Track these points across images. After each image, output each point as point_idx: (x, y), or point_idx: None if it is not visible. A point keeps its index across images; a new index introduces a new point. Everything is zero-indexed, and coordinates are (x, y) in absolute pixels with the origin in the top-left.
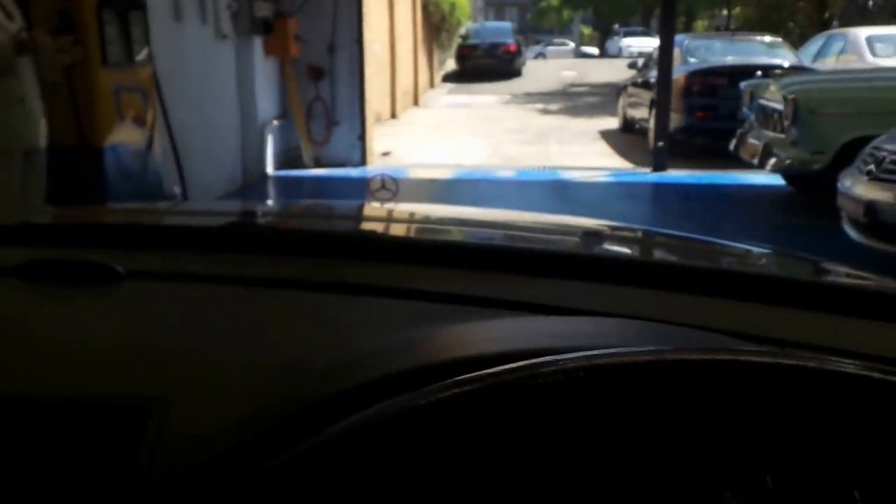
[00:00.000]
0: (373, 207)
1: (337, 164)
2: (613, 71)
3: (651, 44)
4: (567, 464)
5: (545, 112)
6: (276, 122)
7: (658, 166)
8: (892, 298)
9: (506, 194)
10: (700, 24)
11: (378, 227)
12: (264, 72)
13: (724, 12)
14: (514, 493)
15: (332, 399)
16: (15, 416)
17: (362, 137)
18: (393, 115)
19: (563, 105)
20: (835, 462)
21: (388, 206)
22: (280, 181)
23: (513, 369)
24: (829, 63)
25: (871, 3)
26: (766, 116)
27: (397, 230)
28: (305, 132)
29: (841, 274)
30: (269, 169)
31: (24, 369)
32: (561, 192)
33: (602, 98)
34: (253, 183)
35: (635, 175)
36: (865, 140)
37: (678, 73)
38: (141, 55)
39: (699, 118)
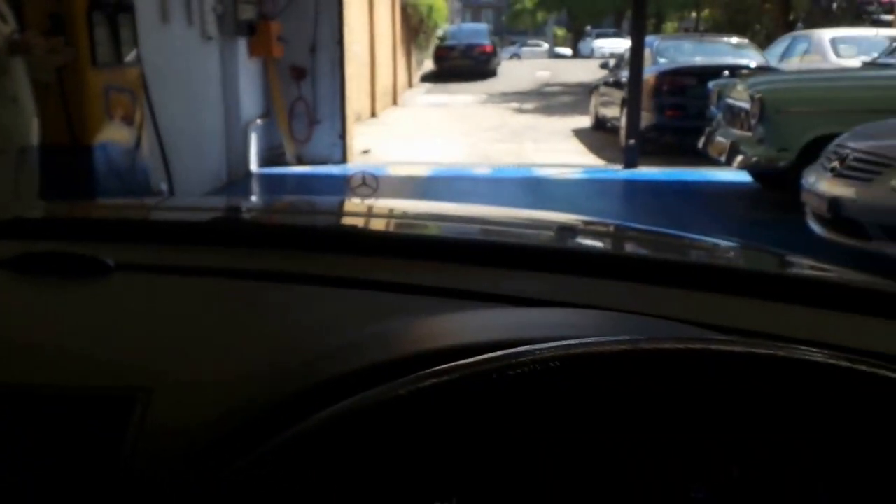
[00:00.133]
0: (353, 203)
1: (318, 162)
2: (586, 71)
3: (622, 45)
4: (544, 453)
5: (520, 111)
6: (259, 121)
7: (629, 163)
8: (853, 290)
9: (482, 191)
10: (670, 25)
11: (359, 222)
12: (248, 72)
13: (693, 14)
14: (491, 481)
15: (313, 389)
16: (3, 405)
17: (343, 136)
18: (373, 114)
19: (538, 104)
20: (801, 451)
21: (368, 201)
22: (263, 178)
23: (490, 359)
24: (794, 63)
25: (834, 5)
26: (734, 115)
27: (377, 225)
28: (288, 130)
29: (805, 266)
30: (253, 166)
31: (15, 359)
32: (535, 189)
33: (575, 97)
34: (237, 180)
35: (607, 172)
36: (829, 138)
37: (649, 73)
38: (129, 56)
39: (669, 117)
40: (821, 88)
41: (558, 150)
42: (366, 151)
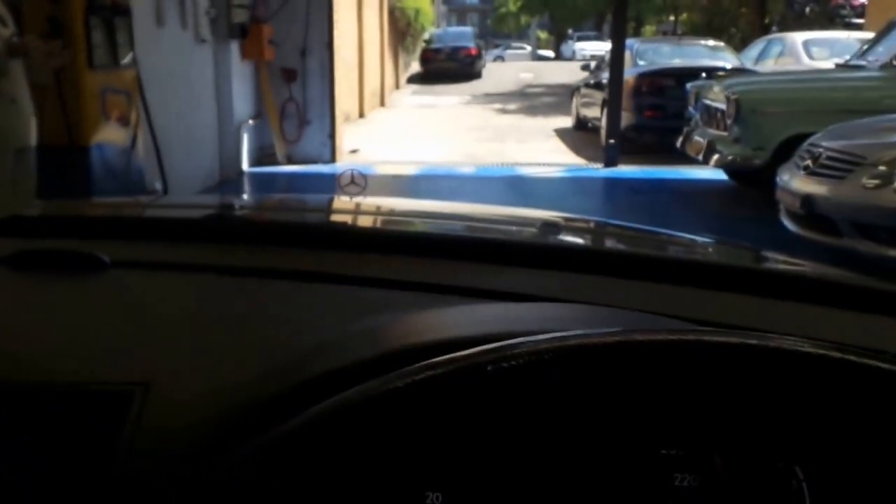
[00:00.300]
0: (342, 201)
1: (308, 161)
2: (568, 73)
3: (603, 47)
4: (537, 443)
5: (503, 111)
6: (251, 122)
7: (610, 162)
8: (825, 284)
9: (467, 189)
10: (649, 28)
11: (348, 220)
12: (240, 74)
13: (672, 18)
14: (485, 471)
15: (306, 385)
16: (0, 401)
17: (332, 136)
18: (361, 115)
19: (521, 105)
20: (792, 440)
21: (357, 199)
22: (255, 177)
23: (485, 351)
24: (769, 65)
25: (808, 9)
26: (710, 115)
27: (366, 222)
28: (279, 131)
29: (779, 262)
30: (245, 165)
31: (12, 354)
32: (518, 187)
33: (557, 98)
34: (230, 179)
35: (588, 170)
36: (802, 137)
37: (629, 75)
38: (125, 59)
39: (648, 117)
40: (794, 90)
41: (541, 150)
42: (354, 151)
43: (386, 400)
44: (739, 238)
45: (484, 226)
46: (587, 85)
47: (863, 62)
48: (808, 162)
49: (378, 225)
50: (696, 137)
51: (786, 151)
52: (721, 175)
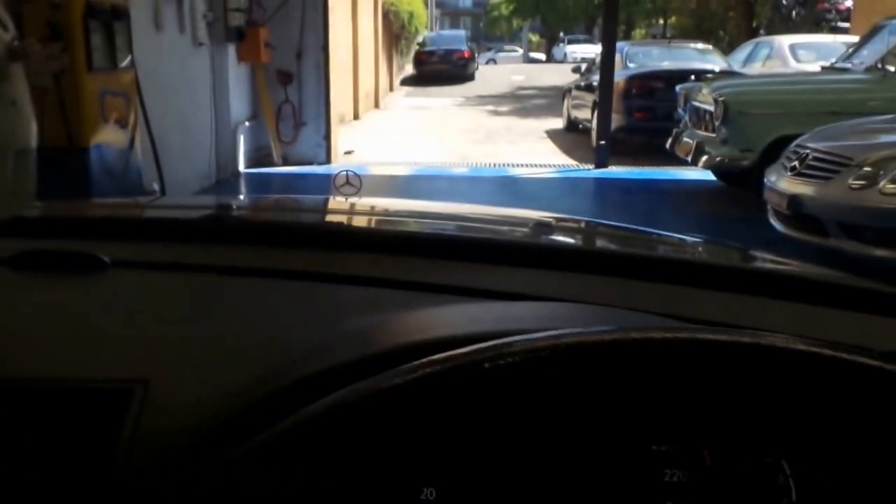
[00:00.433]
0: (338, 201)
1: (304, 162)
2: (559, 75)
3: (594, 50)
4: (534, 439)
5: (496, 113)
6: (247, 123)
7: (600, 163)
8: (814, 283)
9: (460, 189)
10: (639, 32)
11: (343, 220)
12: (237, 76)
13: (661, 21)
14: (479, 467)
15: (303, 382)
16: (1, 399)
17: (327, 137)
18: (356, 117)
19: (513, 107)
20: (784, 435)
21: (352, 200)
22: (251, 178)
23: (482, 349)
24: (757, 68)
25: (794, 13)
26: (699, 117)
27: (361, 222)
28: (275, 132)
29: (766, 261)
30: (241, 167)
31: (14, 353)
32: (510, 188)
33: (548, 100)
34: (226, 180)
35: (579, 171)
36: (789, 139)
37: (619, 77)
38: (124, 62)
39: (638, 119)
40: (781, 92)
41: (532, 151)
42: (349, 152)
43: (384, 397)
44: (728, 238)
45: (477, 226)
46: (578, 87)
47: (848, 65)
48: (795, 163)
49: (373, 225)
50: (685, 139)
51: (773, 153)
52: (710, 176)
